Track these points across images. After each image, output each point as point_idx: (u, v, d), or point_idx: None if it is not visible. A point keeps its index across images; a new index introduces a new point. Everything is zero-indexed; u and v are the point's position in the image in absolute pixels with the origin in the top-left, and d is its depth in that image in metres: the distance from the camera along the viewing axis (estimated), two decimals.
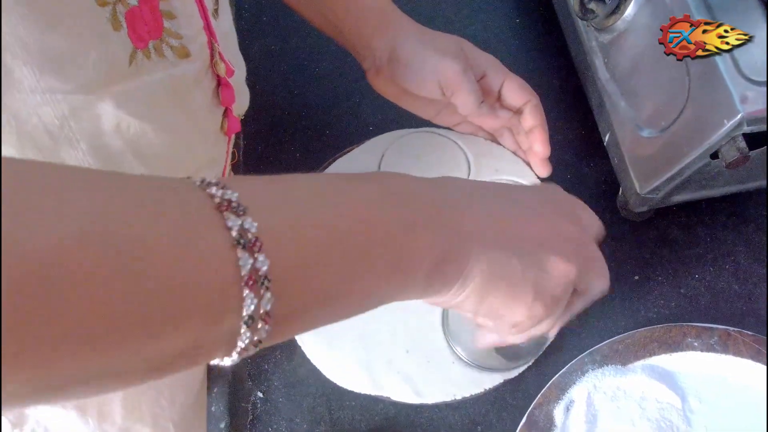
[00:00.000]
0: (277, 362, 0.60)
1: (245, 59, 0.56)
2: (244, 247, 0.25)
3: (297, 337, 0.56)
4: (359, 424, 0.57)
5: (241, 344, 0.27)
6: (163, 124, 0.45)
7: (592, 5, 0.59)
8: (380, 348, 0.55)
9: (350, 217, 0.31)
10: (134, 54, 0.39)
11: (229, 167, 0.58)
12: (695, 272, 0.62)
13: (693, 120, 0.52)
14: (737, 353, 0.56)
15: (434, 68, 0.55)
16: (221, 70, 0.49)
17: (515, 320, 0.40)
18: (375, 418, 0.57)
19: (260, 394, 0.59)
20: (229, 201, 0.26)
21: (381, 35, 0.56)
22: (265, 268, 0.26)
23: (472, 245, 0.36)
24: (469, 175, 0.62)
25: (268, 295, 0.26)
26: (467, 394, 0.53)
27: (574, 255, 0.40)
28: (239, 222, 0.26)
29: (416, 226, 0.34)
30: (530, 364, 0.55)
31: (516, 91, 0.58)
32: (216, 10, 0.49)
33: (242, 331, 0.26)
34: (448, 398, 0.53)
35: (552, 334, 0.50)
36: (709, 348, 0.56)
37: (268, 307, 0.26)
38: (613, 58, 0.61)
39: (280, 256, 0.26)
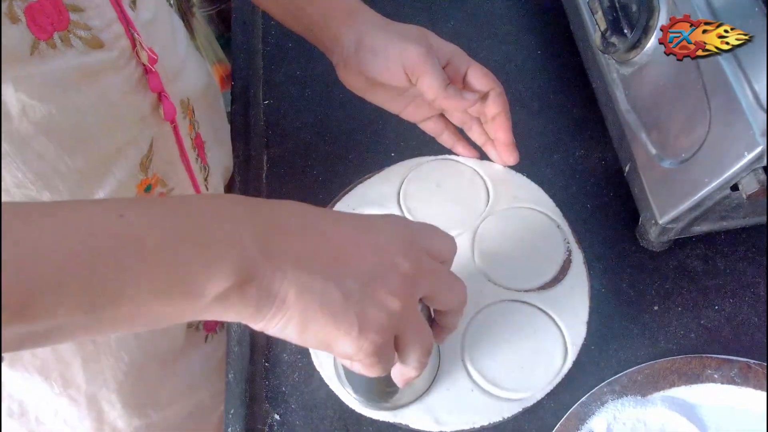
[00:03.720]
0: (294, 385, 0.60)
1: (270, 85, 0.57)
2: None
3: (315, 362, 0.56)
4: None
5: None
6: (70, 106, 0.47)
7: (613, 39, 0.59)
8: None
9: (102, 236, 0.32)
10: (36, 44, 0.42)
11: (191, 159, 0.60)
12: (715, 303, 0.62)
13: (713, 151, 0.53)
14: (758, 386, 0.55)
15: (399, 52, 0.56)
16: (144, 57, 0.52)
17: (345, 352, 0.38)
18: None
19: (277, 417, 0.59)
20: None
21: (348, 27, 0.58)
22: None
23: (281, 268, 0.35)
24: (488, 202, 0.62)
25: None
26: (486, 423, 0.53)
27: (400, 288, 0.38)
28: None
29: (199, 244, 0.34)
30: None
31: (481, 77, 0.59)
32: (134, 1, 0.52)
33: None
34: (467, 426, 0.53)
35: (413, 371, 0.43)
36: (729, 380, 0.56)
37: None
38: (634, 90, 0.62)
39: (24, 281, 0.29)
